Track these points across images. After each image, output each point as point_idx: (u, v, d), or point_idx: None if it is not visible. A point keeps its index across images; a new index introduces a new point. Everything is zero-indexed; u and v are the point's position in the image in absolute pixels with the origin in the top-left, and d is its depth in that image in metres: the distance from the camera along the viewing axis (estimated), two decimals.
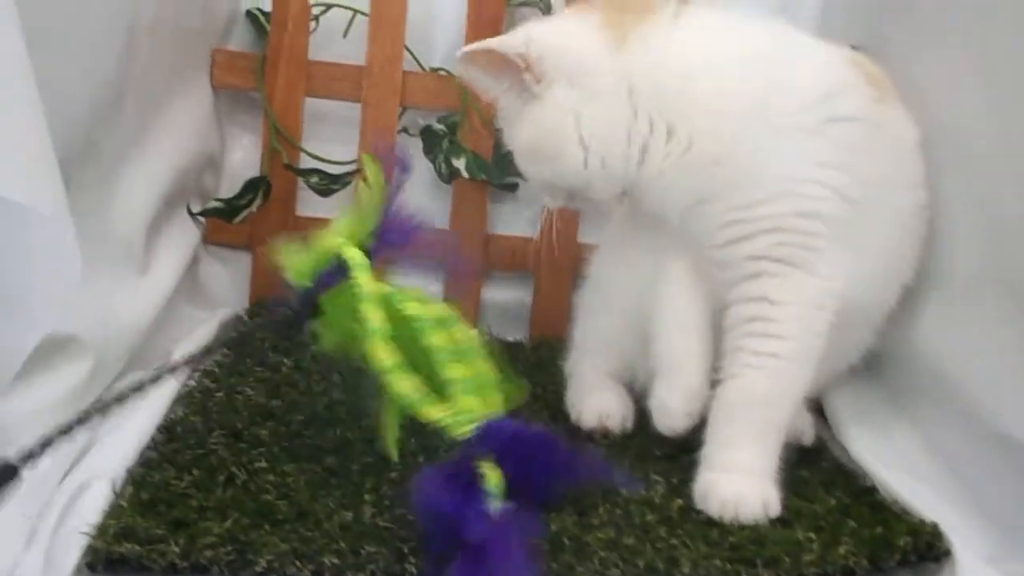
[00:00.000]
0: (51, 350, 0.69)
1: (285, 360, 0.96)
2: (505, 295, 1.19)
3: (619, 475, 0.76)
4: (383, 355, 0.65)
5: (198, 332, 0.96)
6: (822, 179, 0.74)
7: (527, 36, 0.77)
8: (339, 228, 0.72)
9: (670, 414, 0.78)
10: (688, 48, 0.76)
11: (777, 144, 0.74)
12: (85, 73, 0.78)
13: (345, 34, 1.15)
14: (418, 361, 0.67)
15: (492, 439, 0.66)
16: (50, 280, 0.60)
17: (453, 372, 0.68)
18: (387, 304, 0.68)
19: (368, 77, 1.12)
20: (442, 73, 1.15)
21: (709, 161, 0.75)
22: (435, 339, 0.68)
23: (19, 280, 0.60)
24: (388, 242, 0.72)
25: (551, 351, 1.06)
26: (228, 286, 1.15)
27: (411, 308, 0.68)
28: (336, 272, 0.69)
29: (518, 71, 0.76)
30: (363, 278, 0.68)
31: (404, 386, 0.65)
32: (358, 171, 1.12)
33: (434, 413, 0.66)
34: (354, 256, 0.69)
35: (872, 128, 0.78)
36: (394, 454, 0.73)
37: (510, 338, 1.15)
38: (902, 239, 0.82)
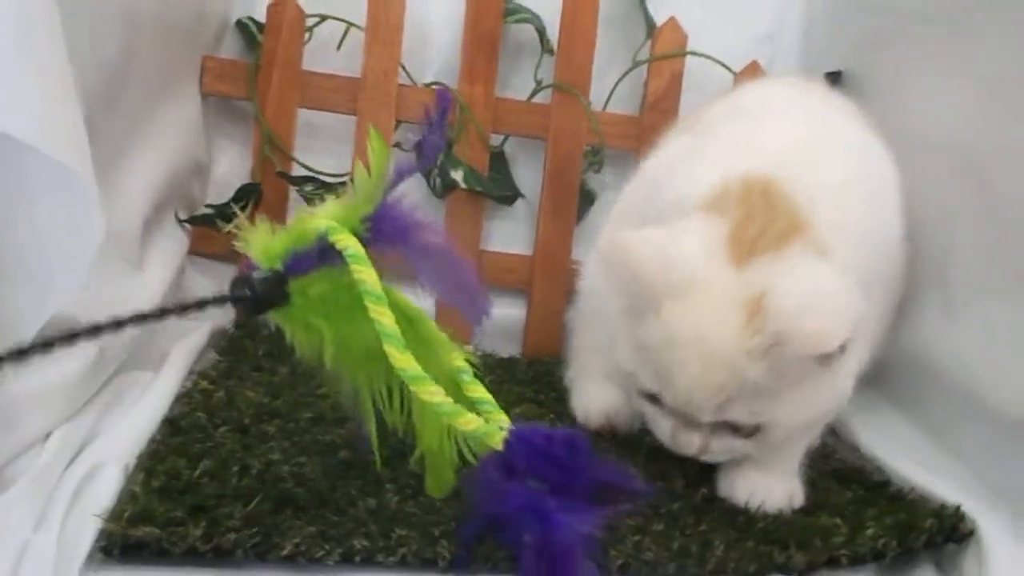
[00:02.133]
0: (55, 333, 0.66)
1: (280, 367, 0.93)
2: (498, 312, 1.17)
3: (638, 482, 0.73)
4: (406, 363, 0.57)
5: (191, 337, 0.92)
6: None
7: (842, 320, 0.65)
8: (327, 211, 0.60)
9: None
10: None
11: None
12: (86, 67, 0.76)
13: (339, 46, 1.15)
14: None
15: (524, 447, 0.58)
16: (71, 241, 0.57)
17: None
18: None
19: (363, 89, 1.12)
20: (436, 87, 1.15)
21: None
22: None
23: (38, 243, 0.57)
24: (382, 234, 0.60)
25: (547, 366, 1.06)
26: None
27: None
28: (315, 256, 0.59)
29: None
30: (365, 272, 0.58)
31: (435, 396, 0.57)
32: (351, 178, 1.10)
33: (470, 423, 0.58)
34: (348, 243, 0.58)
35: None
36: (378, 460, 0.67)
37: (504, 354, 1.14)
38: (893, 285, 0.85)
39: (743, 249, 0.67)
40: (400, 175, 0.63)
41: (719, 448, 0.70)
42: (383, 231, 0.60)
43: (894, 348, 0.88)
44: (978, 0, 0.85)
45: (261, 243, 0.60)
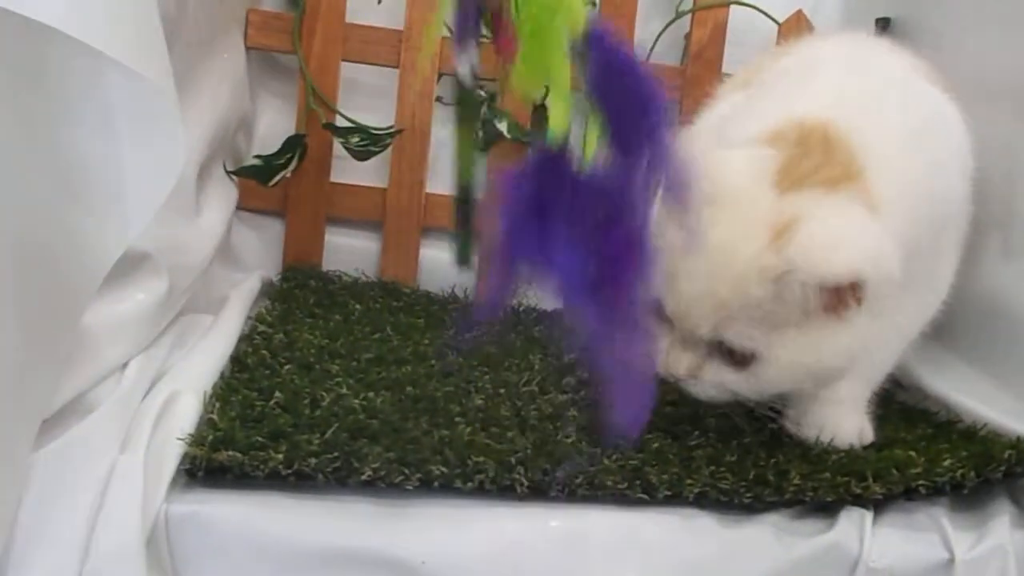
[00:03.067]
0: (129, 267, 0.66)
1: (334, 315, 0.93)
2: None
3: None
4: None
5: (246, 284, 0.92)
6: None
7: (859, 258, 0.63)
8: None
9: None
10: None
11: None
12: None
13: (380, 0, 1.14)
14: None
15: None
16: (149, 172, 0.57)
17: None
18: None
19: (407, 40, 1.11)
20: (482, 40, 1.14)
21: None
22: None
23: (121, 173, 0.57)
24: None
25: None
26: (260, 252, 1.11)
27: None
28: None
29: (845, 292, 0.64)
30: None
31: None
32: (398, 131, 1.10)
33: None
34: None
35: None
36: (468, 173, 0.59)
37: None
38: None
39: (789, 180, 0.66)
40: None
41: (710, 377, 0.67)
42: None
43: (956, 297, 0.86)
44: None
45: None
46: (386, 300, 1.02)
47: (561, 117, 0.53)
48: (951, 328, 0.90)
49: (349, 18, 1.12)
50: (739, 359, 0.66)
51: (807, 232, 0.62)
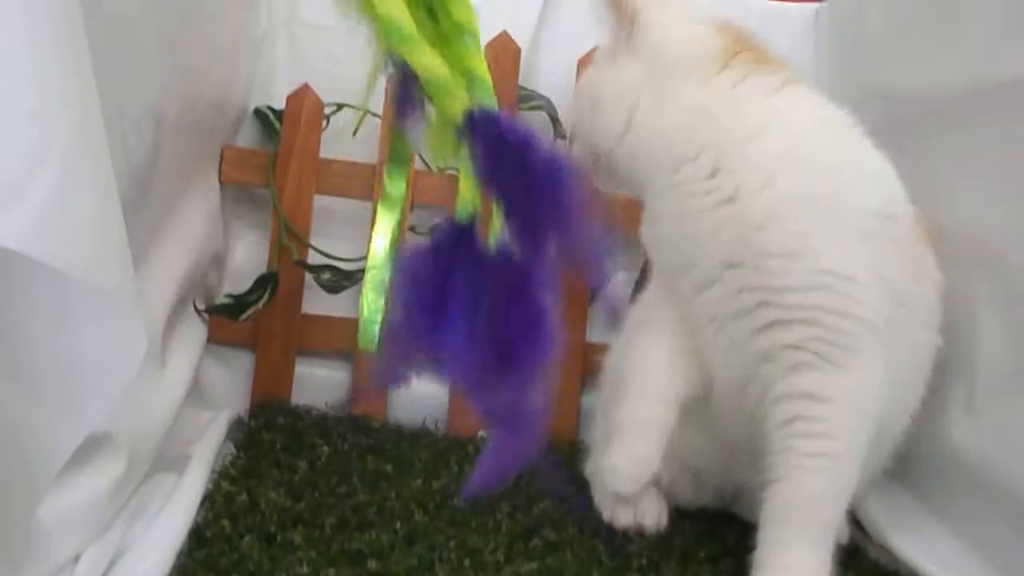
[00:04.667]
0: (86, 449, 0.65)
1: (300, 462, 0.92)
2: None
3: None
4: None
5: (210, 432, 0.91)
6: (867, 284, 0.73)
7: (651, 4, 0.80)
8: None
9: (617, 477, 0.77)
10: (775, 113, 0.77)
11: (827, 236, 0.73)
12: (118, 175, 0.76)
13: (355, 133, 1.16)
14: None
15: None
16: (110, 362, 0.57)
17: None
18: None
19: (380, 176, 1.13)
20: (452, 173, 1.16)
21: (750, 223, 0.74)
22: None
23: (76, 365, 0.56)
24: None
25: (562, 454, 1.05)
26: (229, 386, 1.11)
27: None
28: None
29: (625, 22, 0.80)
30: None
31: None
32: (370, 268, 1.10)
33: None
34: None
35: (912, 259, 0.79)
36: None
37: None
38: (917, 372, 0.83)
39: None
40: None
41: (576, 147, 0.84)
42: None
43: (923, 445, 0.87)
44: (982, 91, 0.86)
45: None
46: (355, 438, 1.02)
47: (469, 192, 0.54)
48: (917, 480, 0.90)
49: (324, 154, 1.13)
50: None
51: None
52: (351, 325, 1.13)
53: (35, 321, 0.56)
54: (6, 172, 0.49)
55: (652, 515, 0.86)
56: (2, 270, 0.55)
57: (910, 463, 0.89)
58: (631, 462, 0.77)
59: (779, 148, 0.75)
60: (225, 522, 0.75)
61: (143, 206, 0.84)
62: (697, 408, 0.81)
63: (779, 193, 0.74)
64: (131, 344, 0.57)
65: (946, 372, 0.85)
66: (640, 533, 0.85)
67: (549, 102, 1.17)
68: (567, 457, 1.02)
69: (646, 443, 0.77)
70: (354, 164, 1.14)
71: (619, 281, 1.17)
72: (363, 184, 1.13)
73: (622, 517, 0.86)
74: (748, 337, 0.76)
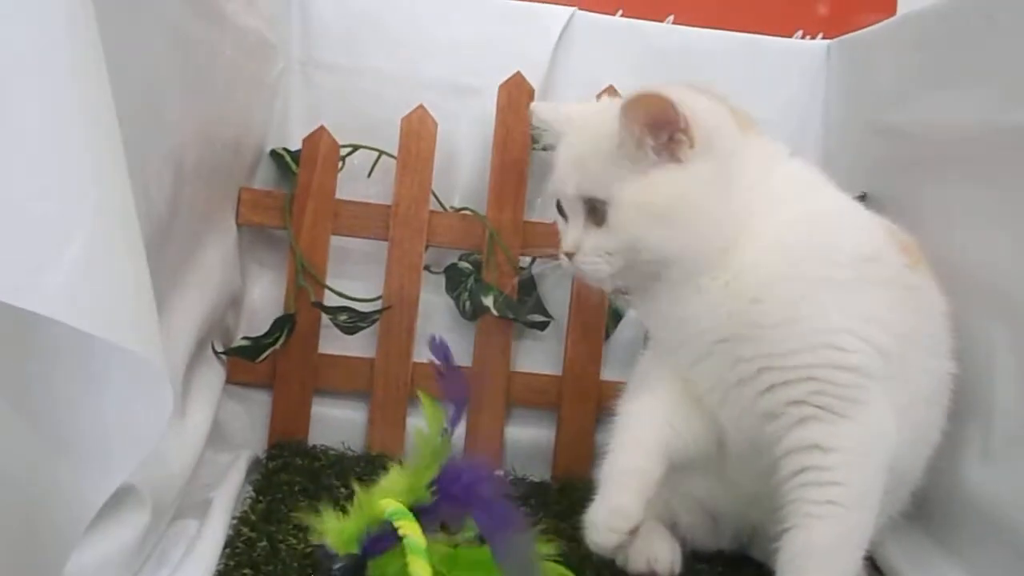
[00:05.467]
0: (111, 502, 0.66)
1: (316, 504, 0.92)
2: (527, 433, 1.18)
3: None
4: None
5: (230, 477, 0.92)
6: (858, 333, 0.74)
7: (687, 99, 0.75)
8: (393, 483, 0.69)
9: (596, 530, 0.77)
10: (761, 179, 0.79)
11: (816, 296, 0.75)
12: (141, 223, 0.77)
13: (369, 174, 1.17)
14: None
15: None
16: (135, 424, 0.58)
17: None
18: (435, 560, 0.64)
19: (395, 216, 1.14)
20: (466, 212, 1.17)
21: (746, 297, 0.75)
22: None
23: (103, 424, 0.57)
24: (448, 496, 0.67)
25: (577, 492, 1.05)
26: (247, 425, 1.11)
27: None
28: (387, 537, 0.65)
29: (675, 128, 0.74)
30: (410, 527, 0.64)
31: None
32: (386, 308, 1.12)
33: None
34: (409, 531, 0.65)
35: (904, 291, 0.80)
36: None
37: (534, 477, 1.13)
38: (931, 404, 0.83)
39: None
40: (451, 426, 0.70)
41: (589, 247, 0.78)
42: (448, 493, 0.67)
43: (936, 485, 0.87)
44: (998, 132, 0.87)
45: (335, 529, 0.66)
46: (372, 479, 1.02)
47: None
48: (936, 525, 0.90)
49: (339, 194, 1.14)
50: (600, 215, 0.77)
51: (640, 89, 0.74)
52: (367, 364, 1.14)
53: (64, 381, 0.57)
54: (38, 238, 0.51)
55: (665, 561, 0.86)
56: (33, 332, 0.56)
57: (927, 506, 0.89)
58: (610, 513, 0.76)
59: (769, 221, 0.77)
60: (247, 571, 0.76)
61: (163, 252, 0.85)
62: (713, 460, 0.81)
63: (770, 264, 0.75)
64: (158, 404, 0.58)
65: (963, 417, 0.86)
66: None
67: None
68: (582, 495, 1.02)
69: (626, 493, 0.77)
70: (371, 205, 1.15)
71: (631, 319, 1.18)
72: (379, 224, 1.14)
73: (636, 562, 0.86)
74: (752, 400, 0.77)
